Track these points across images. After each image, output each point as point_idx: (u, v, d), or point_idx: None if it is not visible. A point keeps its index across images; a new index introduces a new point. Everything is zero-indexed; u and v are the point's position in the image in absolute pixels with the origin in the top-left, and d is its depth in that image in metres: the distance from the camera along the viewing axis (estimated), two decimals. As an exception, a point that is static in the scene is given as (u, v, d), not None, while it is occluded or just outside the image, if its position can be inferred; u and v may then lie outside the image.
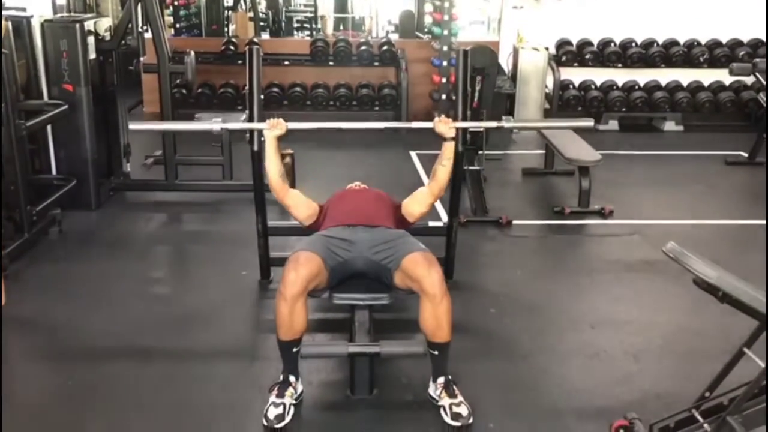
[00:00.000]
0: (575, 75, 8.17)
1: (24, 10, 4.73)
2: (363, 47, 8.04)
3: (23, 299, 3.63)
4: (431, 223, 3.98)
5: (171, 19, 9.59)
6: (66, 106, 4.64)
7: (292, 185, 5.17)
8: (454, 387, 2.70)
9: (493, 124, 3.26)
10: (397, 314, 3.37)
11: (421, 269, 2.65)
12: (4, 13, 4.22)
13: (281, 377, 2.72)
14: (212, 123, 3.16)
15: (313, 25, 11.70)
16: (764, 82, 6.31)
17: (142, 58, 5.49)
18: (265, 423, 2.58)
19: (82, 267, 4.11)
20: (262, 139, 3.28)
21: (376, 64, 8.09)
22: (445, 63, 7.64)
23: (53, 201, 4.54)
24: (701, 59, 8.05)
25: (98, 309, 3.58)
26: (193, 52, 5.31)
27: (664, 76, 8.15)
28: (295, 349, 2.69)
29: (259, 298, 3.77)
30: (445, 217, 4.03)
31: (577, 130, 6.01)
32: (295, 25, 11.81)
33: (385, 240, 2.86)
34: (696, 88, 8.10)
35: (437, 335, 2.67)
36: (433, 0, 8.04)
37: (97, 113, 5.03)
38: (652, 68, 8.10)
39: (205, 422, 2.64)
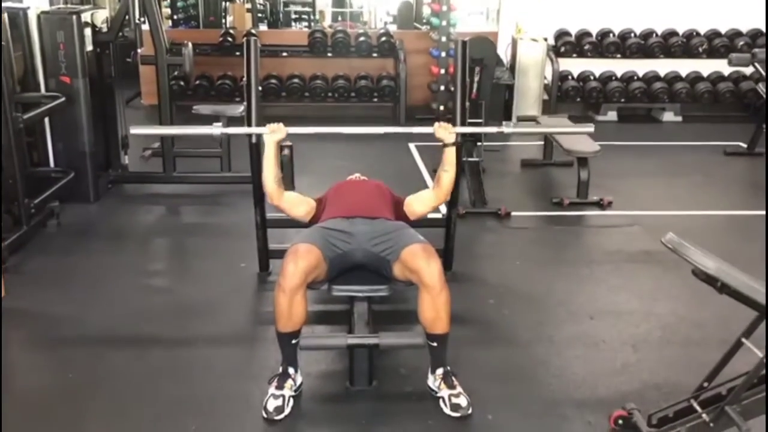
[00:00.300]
0: (574, 66, 8.15)
1: (21, 1, 4.71)
2: (361, 38, 8.01)
3: (22, 292, 3.62)
4: (430, 215, 3.97)
5: (168, 11, 9.56)
6: (63, 99, 4.63)
7: (291, 178, 5.20)
8: (453, 378, 2.71)
9: (493, 129, 3.22)
10: (396, 306, 3.37)
11: (420, 261, 2.65)
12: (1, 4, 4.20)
13: (280, 369, 2.72)
14: (212, 128, 3.14)
15: (311, 17, 11.66)
16: (763, 73, 6.30)
17: (139, 50, 5.48)
18: (265, 415, 2.59)
19: (80, 259, 4.11)
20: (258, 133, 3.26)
21: (375, 55, 8.07)
22: (443, 54, 7.63)
23: (51, 194, 4.53)
24: (700, 50, 8.04)
25: (97, 301, 3.58)
26: (190, 44, 5.29)
27: (663, 66, 8.14)
28: (294, 341, 2.69)
29: (258, 290, 3.77)
30: (443, 209, 4.02)
31: (576, 121, 6.03)
32: (293, 16, 11.77)
33: (384, 232, 2.86)
34: (695, 78, 8.09)
35: (436, 326, 2.67)
36: (431, -9, 8.03)
37: (95, 105, 5.01)
38: (651, 59, 8.09)
39: (204, 414, 2.64)
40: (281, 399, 2.61)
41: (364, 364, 2.79)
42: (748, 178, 6.05)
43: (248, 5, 10.54)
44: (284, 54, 8.07)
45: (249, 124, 3.49)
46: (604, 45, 8.08)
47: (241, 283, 3.80)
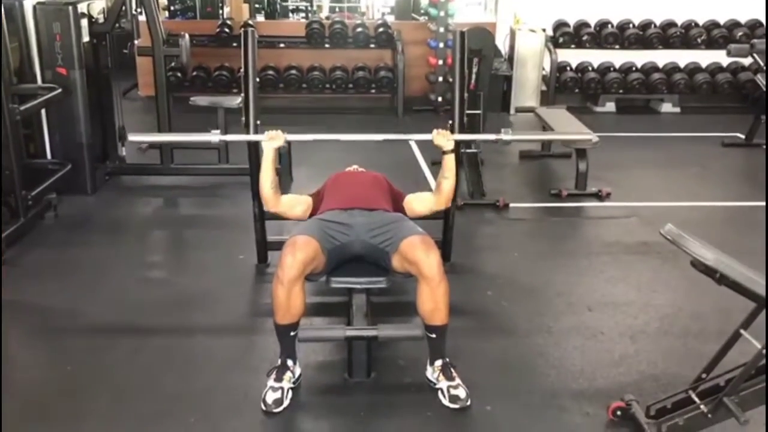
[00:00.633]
0: (572, 57, 8.13)
1: (16, -8, 4.68)
2: (359, 29, 7.98)
3: (20, 284, 3.62)
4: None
5: (165, 2, 9.50)
6: (60, 90, 4.61)
7: (289, 169, 5.20)
8: (452, 369, 2.71)
9: (492, 137, 3.22)
10: (395, 297, 3.37)
11: (419, 252, 2.65)
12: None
13: (279, 361, 2.72)
14: (211, 135, 3.16)
15: (309, 7, 11.61)
16: (762, 64, 6.29)
17: (136, 41, 5.45)
18: (264, 407, 2.59)
19: (78, 252, 4.10)
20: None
21: (373, 46, 8.04)
22: (441, 45, 7.62)
23: (49, 186, 4.52)
24: (699, 40, 8.02)
25: (95, 293, 3.58)
26: (187, 35, 5.26)
27: (662, 57, 8.13)
28: (292, 333, 2.69)
29: (256, 281, 3.77)
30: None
31: (574, 112, 6.02)
32: (291, 7, 11.71)
33: (383, 223, 2.85)
34: (693, 69, 8.07)
35: (435, 318, 2.67)
36: (429, -19, 7.99)
37: (92, 97, 4.99)
38: (650, 49, 8.07)
39: (203, 406, 2.64)
40: (280, 391, 2.62)
41: (363, 355, 2.79)
42: (747, 170, 6.05)
43: (245, -4, 10.48)
44: (281, 45, 8.02)
45: (247, 117, 3.47)
46: (602, 36, 8.06)
47: (240, 274, 3.80)
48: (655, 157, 6.25)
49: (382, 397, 2.73)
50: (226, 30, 7.98)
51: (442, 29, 7.60)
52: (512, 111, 7.76)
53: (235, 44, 7.75)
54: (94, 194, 5.02)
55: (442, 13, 7.60)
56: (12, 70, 4.44)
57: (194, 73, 7.81)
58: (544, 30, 7.90)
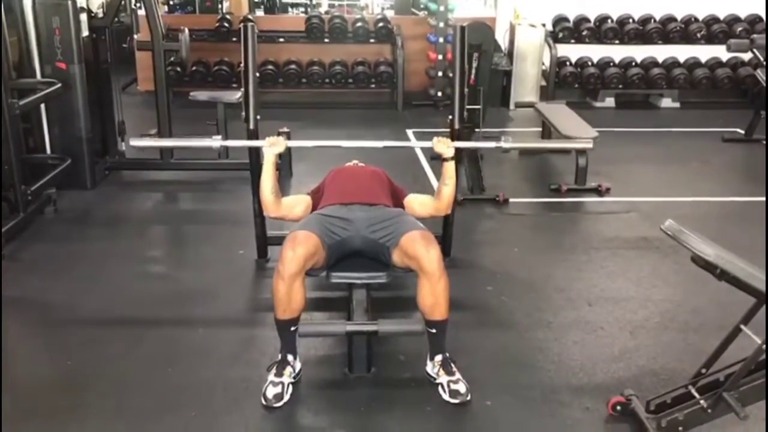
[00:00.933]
0: (572, 52, 8.13)
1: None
2: (359, 24, 7.97)
3: (20, 279, 3.62)
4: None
5: (164, -4, 9.50)
6: (59, 85, 4.60)
7: (289, 164, 5.19)
8: (452, 364, 2.71)
9: (492, 144, 3.19)
10: (395, 293, 3.37)
11: (419, 247, 2.65)
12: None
13: (279, 356, 2.72)
14: (212, 140, 3.17)
15: (309, 2, 11.60)
16: (762, 59, 6.27)
17: (135, 36, 5.44)
18: (264, 402, 2.59)
19: (78, 246, 4.10)
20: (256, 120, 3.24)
21: (372, 41, 8.03)
22: (441, 40, 7.61)
23: (48, 180, 4.52)
24: (698, 35, 8.02)
25: (95, 288, 3.58)
26: (187, 30, 5.25)
27: (661, 52, 8.12)
28: (293, 328, 2.69)
29: (257, 276, 3.77)
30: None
31: (573, 107, 6.02)
32: (290, 1, 11.70)
33: (383, 219, 2.85)
34: (693, 64, 8.08)
35: (435, 313, 2.68)
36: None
37: (91, 91, 4.98)
38: (649, 44, 8.07)
39: (203, 401, 2.64)
40: (280, 386, 2.62)
41: (363, 351, 2.79)
42: (746, 165, 6.05)
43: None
44: (281, 40, 8.02)
45: (247, 111, 3.47)
46: (602, 31, 8.06)
47: (240, 269, 3.80)
48: (655, 152, 6.25)
49: (383, 392, 2.74)
50: (226, 25, 7.96)
51: (441, 24, 7.59)
52: (512, 106, 7.76)
53: (234, 39, 7.75)
54: (94, 189, 5.02)
55: (441, 8, 7.59)
56: (11, 65, 4.42)
57: (193, 68, 7.80)
58: (543, 25, 7.89)
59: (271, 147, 3.04)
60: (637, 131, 6.97)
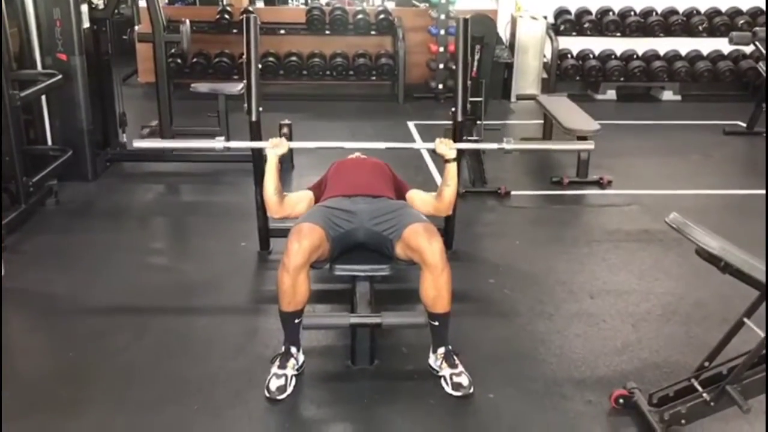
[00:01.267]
0: (573, 44, 8.11)
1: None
2: (360, 16, 7.94)
3: (22, 271, 3.62)
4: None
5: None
6: (60, 76, 4.58)
7: (290, 157, 5.18)
8: (455, 357, 2.72)
9: (493, 146, 3.19)
10: (397, 285, 3.37)
11: (422, 240, 2.65)
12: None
13: (283, 348, 2.73)
14: (215, 142, 3.15)
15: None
16: (764, 51, 6.26)
17: (137, 27, 5.42)
18: (267, 394, 2.60)
19: (80, 238, 4.09)
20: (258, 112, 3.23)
21: (373, 33, 8.01)
22: (442, 32, 7.59)
23: (50, 172, 4.50)
24: (700, 28, 8.00)
25: (98, 280, 3.58)
26: (188, 21, 5.23)
27: (663, 45, 8.10)
28: (297, 320, 2.69)
29: (259, 269, 3.77)
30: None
31: (575, 100, 6.01)
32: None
33: (386, 211, 2.85)
34: (694, 57, 8.05)
35: (437, 306, 2.68)
36: (430, -33, 7.94)
37: (92, 83, 4.97)
38: (651, 37, 8.05)
39: (206, 393, 2.64)
40: (284, 378, 2.62)
41: (366, 343, 2.79)
42: (747, 158, 6.05)
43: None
44: (282, 32, 7.99)
45: (249, 103, 3.46)
46: (603, 23, 8.04)
47: (242, 262, 3.80)
48: (656, 145, 6.25)
49: (385, 385, 2.74)
50: (226, 16, 7.93)
51: (443, 16, 7.56)
52: (513, 98, 7.75)
53: (235, 31, 7.73)
54: (95, 180, 5.01)
55: (443, 0, 7.56)
56: (12, 56, 4.41)
57: (194, 60, 7.78)
58: (545, 17, 7.86)
59: (274, 148, 3.02)
60: (639, 124, 6.96)
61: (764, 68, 6.42)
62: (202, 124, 5.49)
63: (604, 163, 5.28)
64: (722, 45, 7.57)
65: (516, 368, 2.85)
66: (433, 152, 3.14)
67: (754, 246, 2.25)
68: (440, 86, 7.71)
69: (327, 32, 7.96)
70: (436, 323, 2.72)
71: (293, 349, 2.72)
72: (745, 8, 8.08)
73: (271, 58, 7.77)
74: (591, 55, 8.09)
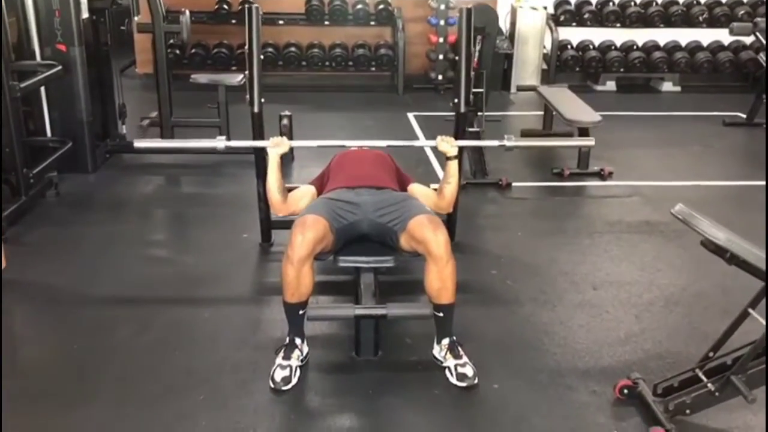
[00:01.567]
0: (573, 35, 8.09)
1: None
2: (359, 6, 7.90)
3: (23, 262, 3.61)
4: (432, 186, 3.96)
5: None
6: (60, 67, 4.56)
7: (291, 149, 5.16)
8: (459, 348, 2.72)
9: (495, 143, 3.19)
10: (402, 276, 3.37)
11: (427, 231, 2.64)
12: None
13: (287, 339, 2.73)
14: (216, 141, 3.15)
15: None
16: (764, 42, 6.26)
17: (136, 18, 5.39)
18: (272, 385, 2.60)
19: (81, 230, 4.08)
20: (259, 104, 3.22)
21: (373, 23, 7.97)
22: (442, 22, 7.56)
23: (49, 164, 4.49)
24: (700, 19, 7.98)
25: (100, 272, 3.57)
26: (188, 11, 5.21)
27: (663, 35, 8.09)
28: (301, 312, 2.69)
29: (261, 260, 3.76)
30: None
31: (574, 91, 6.00)
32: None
33: (391, 202, 2.85)
34: (694, 48, 8.04)
35: (442, 297, 2.68)
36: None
37: (91, 74, 4.94)
38: (651, 28, 8.03)
39: (211, 384, 2.65)
40: (288, 369, 2.63)
41: (371, 334, 2.80)
42: (748, 149, 6.05)
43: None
44: (281, 22, 7.94)
45: (251, 93, 3.45)
46: (603, 14, 8.02)
47: (244, 253, 3.79)
48: (656, 136, 6.24)
49: (390, 376, 2.74)
50: (225, 6, 7.88)
51: (443, 6, 7.53)
52: (513, 89, 7.73)
53: (234, 21, 7.69)
54: (95, 172, 4.99)
55: (442, -10, 7.53)
56: (10, 47, 4.38)
57: (193, 51, 7.74)
58: (545, 8, 7.84)
59: (275, 148, 3.01)
60: (639, 115, 6.95)
61: (764, 59, 6.41)
62: (202, 116, 5.46)
63: (604, 154, 5.28)
64: (722, 36, 7.57)
65: (520, 359, 2.86)
66: (434, 149, 3.13)
67: (754, 237, 2.25)
68: (440, 77, 7.69)
69: (326, 23, 7.92)
70: (441, 314, 2.72)
71: (298, 341, 2.73)
72: (745, -1, 8.07)
73: (270, 49, 7.73)
74: (591, 46, 8.07)
